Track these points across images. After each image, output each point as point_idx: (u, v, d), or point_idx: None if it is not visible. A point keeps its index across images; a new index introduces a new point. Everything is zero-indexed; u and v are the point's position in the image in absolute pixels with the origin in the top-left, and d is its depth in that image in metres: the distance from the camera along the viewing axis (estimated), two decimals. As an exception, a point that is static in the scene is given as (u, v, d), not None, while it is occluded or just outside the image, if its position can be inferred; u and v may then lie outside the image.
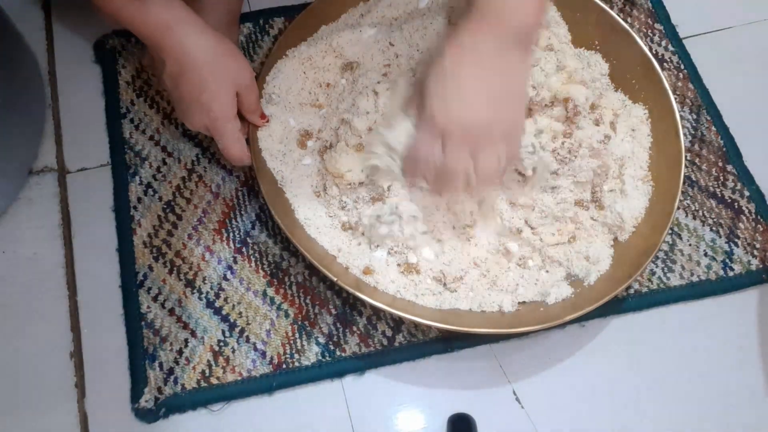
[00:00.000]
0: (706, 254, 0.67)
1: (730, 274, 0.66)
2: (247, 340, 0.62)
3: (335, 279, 0.57)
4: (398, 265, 0.61)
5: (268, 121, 0.64)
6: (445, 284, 0.61)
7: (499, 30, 0.54)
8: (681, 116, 0.67)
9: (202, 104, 0.59)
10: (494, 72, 0.54)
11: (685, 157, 0.66)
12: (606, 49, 0.71)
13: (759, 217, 0.69)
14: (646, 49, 0.69)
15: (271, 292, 0.64)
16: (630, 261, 0.61)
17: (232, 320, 0.63)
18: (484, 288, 0.61)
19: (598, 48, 0.71)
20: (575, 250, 0.63)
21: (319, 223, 0.62)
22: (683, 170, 0.64)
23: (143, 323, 0.62)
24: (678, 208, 0.67)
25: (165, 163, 0.69)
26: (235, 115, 0.61)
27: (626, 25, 0.70)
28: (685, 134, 0.69)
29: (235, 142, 0.61)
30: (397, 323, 0.63)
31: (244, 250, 0.65)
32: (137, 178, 0.68)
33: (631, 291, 0.65)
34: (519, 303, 0.61)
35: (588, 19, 0.71)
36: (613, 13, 0.70)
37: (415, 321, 0.57)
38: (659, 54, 0.77)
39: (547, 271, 0.62)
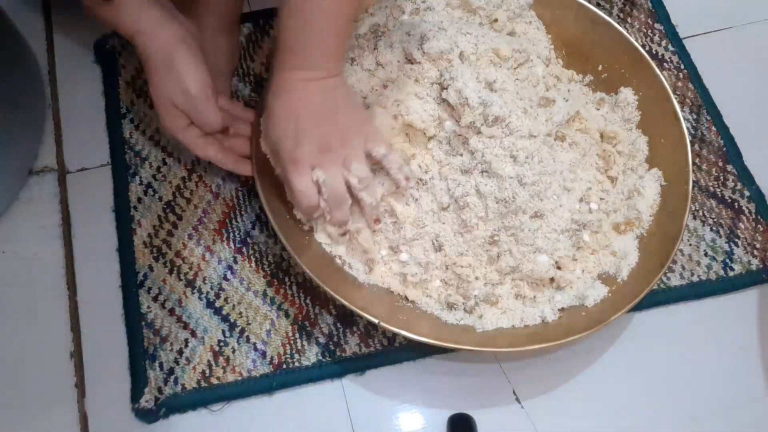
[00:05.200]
0: (706, 254, 0.67)
1: (731, 274, 0.66)
2: (248, 340, 0.62)
3: (352, 306, 0.57)
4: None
5: (224, 131, 0.63)
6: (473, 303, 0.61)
7: (303, 63, 0.56)
8: (681, 116, 0.67)
9: (157, 110, 0.60)
10: (320, 99, 0.57)
11: (689, 137, 0.66)
12: (589, 44, 0.71)
13: (759, 217, 0.69)
14: (631, 39, 0.69)
15: (271, 292, 0.64)
16: (656, 249, 0.62)
17: (232, 320, 0.63)
18: (522, 301, 0.61)
19: (581, 43, 0.71)
20: (601, 244, 0.63)
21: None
22: (689, 149, 0.64)
23: (143, 323, 0.62)
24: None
25: (165, 163, 0.69)
26: (189, 125, 0.61)
27: (606, 16, 0.70)
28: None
29: (194, 147, 0.62)
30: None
31: (244, 250, 0.65)
32: (137, 178, 0.68)
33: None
34: (559, 310, 0.60)
35: (567, 16, 0.71)
36: (592, 6, 0.70)
37: (468, 350, 0.57)
38: (659, 54, 0.78)
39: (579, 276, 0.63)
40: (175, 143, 0.70)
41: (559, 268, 0.62)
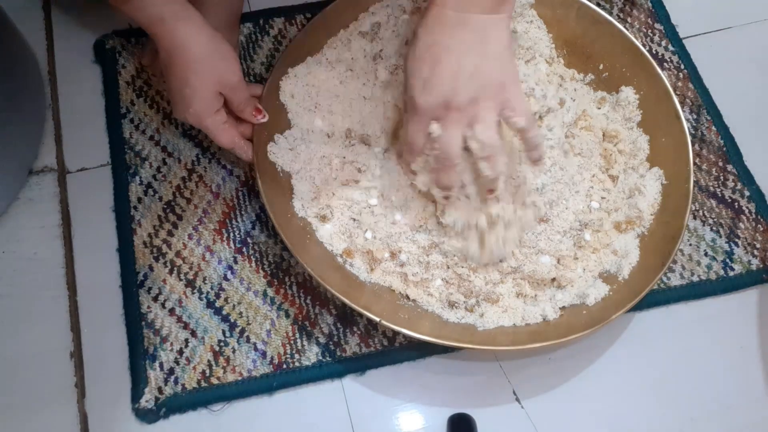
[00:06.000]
0: (706, 254, 0.67)
1: (731, 274, 0.66)
2: (248, 340, 0.62)
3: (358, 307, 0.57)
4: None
5: (264, 117, 0.63)
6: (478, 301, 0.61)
7: (463, 3, 0.52)
8: (682, 115, 0.67)
9: (184, 98, 0.59)
10: (468, 40, 0.52)
11: (690, 136, 0.66)
12: (590, 43, 0.71)
13: (759, 216, 0.69)
14: (632, 38, 0.69)
15: (271, 292, 0.64)
16: (657, 248, 0.62)
17: (232, 320, 0.62)
18: (523, 300, 0.61)
19: (582, 42, 0.71)
20: (603, 243, 0.63)
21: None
22: (690, 148, 0.64)
23: (143, 323, 0.62)
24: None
25: (165, 163, 0.69)
26: (217, 111, 0.60)
27: (607, 15, 0.70)
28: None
29: (219, 133, 0.61)
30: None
31: (244, 250, 0.65)
32: (137, 178, 0.68)
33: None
34: (560, 308, 0.61)
35: (568, 15, 0.71)
36: (593, 5, 0.70)
37: (469, 348, 0.57)
38: (659, 54, 0.78)
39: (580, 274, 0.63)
40: (175, 143, 0.70)
41: (558, 261, 0.62)
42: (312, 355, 0.61)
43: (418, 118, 0.54)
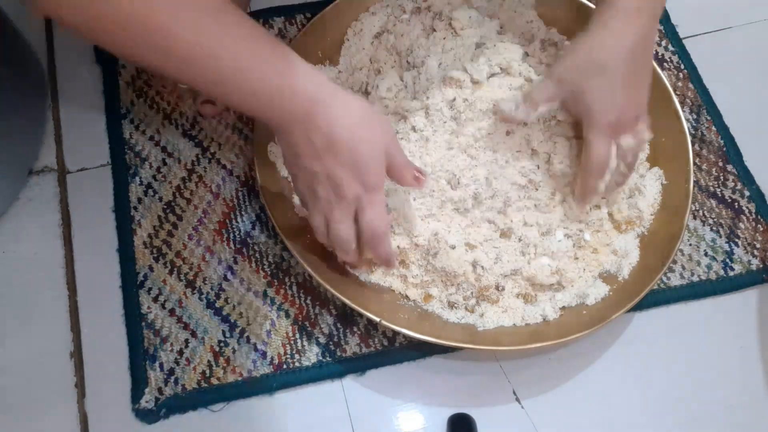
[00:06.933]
0: (706, 254, 0.67)
1: (731, 274, 0.66)
2: (248, 340, 0.62)
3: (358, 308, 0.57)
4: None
5: (424, 178, 0.54)
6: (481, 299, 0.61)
7: (640, 21, 0.57)
8: (682, 115, 0.67)
9: (358, 170, 0.51)
10: (641, 58, 0.58)
11: (690, 137, 0.66)
12: None
13: (759, 217, 0.69)
14: None
15: (271, 292, 0.64)
16: (657, 248, 0.62)
17: (232, 321, 0.62)
18: (523, 300, 0.61)
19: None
20: (603, 243, 0.63)
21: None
22: (690, 148, 0.65)
23: (143, 324, 0.62)
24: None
25: (165, 164, 0.69)
26: (383, 184, 0.53)
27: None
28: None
29: (384, 213, 0.53)
30: (398, 323, 0.63)
31: (244, 250, 0.65)
32: (137, 178, 0.68)
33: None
34: (560, 308, 0.61)
35: (568, 16, 0.71)
36: (593, 5, 0.70)
37: (469, 348, 0.57)
38: (659, 54, 0.77)
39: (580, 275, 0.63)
40: (175, 144, 0.70)
41: (558, 264, 0.62)
42: (312, 355, 0.61)
43: (604, 133, 0.60)
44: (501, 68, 0.65)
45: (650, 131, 0.60)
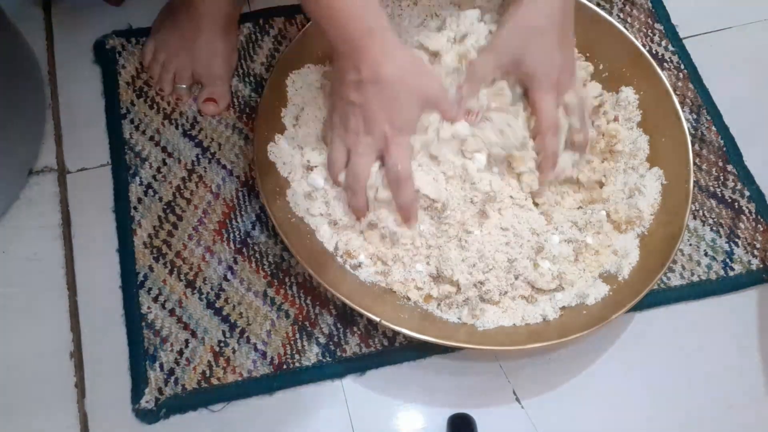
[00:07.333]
0: (706, 254, 0.67)
1: (731, 274, 0.66)
2: (248, 340, 0.62)
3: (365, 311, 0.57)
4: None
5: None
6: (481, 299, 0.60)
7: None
8: (682, 115, 0.67)
9: (392, 110, 0.56)
10: (568, 20, 0.62)
11: (690, 137, 0.66)
12: (590, 42, 0.71)
13: (759, 216, 0.69)
14: (632, 38, 0.69)
15: (271, 292, 0.64)
16: (657, 248, 0.62)
17: (232, 321, 0.62)
18: (523, 300, 0.61)
19: (582, 42, 0.71)
20: (603, 244, 0.63)
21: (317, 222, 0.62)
22: (690, 148, 0.65)
23: (144, 324, 0.62)
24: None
25: (165, 164, 0.69)
26: (413, 132, 0.58)
27: (607, 15, 0.70)
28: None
29: (408, 159, 0.58)
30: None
31: (244, 250, 0.65)
32: (137, 178, 0.68)
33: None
34: (560, 308, 0.61)
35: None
36: (592, 5, 0.70)
37: (469, 348, 0.57)
38: (659, 54, 0.78)
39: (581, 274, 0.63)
40: (175, 144, 0.70)
41: (558, 266, 0.62)
42: (312, 355, 0.61)
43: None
44: (458, 37, 0.64)
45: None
